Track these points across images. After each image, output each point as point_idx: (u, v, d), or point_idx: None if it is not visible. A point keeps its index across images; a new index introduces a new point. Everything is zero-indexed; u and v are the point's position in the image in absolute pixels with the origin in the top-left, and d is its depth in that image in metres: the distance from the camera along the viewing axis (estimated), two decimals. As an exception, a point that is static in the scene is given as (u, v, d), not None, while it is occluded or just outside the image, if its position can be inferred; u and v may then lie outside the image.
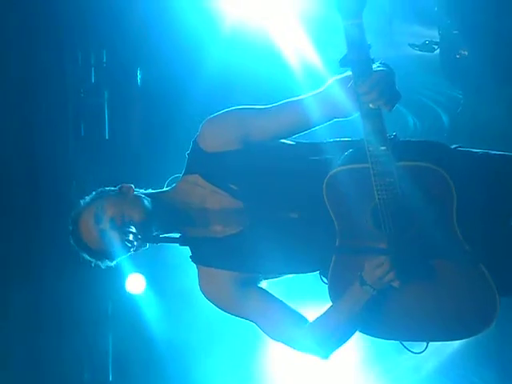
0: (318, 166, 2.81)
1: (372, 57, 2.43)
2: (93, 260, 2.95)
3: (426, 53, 5.56)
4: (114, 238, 2.80)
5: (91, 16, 5.75)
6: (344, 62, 2.43)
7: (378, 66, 2.54)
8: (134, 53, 5.90)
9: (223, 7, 5.51)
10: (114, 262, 2.98)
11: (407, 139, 2.81)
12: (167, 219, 2.91)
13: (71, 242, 2.94)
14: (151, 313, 5.87)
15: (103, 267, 2.99)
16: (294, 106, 2.84)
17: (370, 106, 2.47)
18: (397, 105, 2.56)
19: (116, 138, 5.97)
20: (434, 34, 5.54)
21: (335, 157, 2.77)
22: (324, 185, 2.73)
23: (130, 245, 2.72)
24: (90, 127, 5.97)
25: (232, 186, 2.88)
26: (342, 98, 2.65)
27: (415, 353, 2.88)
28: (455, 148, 2.89)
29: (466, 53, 5.38)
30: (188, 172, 2.95)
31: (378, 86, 2.46)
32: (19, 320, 5.53)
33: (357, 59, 2.39)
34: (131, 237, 2.72)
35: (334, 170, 2.71)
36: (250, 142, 2.87)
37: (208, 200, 2.91)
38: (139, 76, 5.96)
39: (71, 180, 5.58)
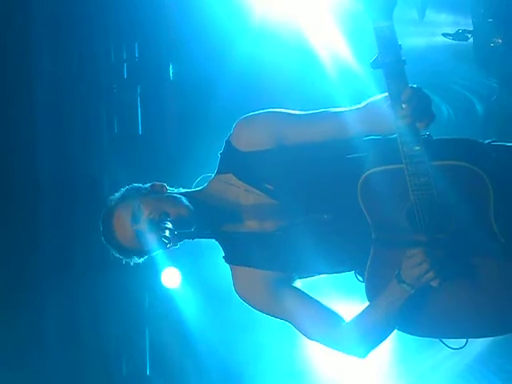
0: (352, 165, 2.78)
1: (403, 58, 2.41)
2: (123, 257, 2.95)
3: (459, 42, 5.51)
4: (150, 236, 2.79)
5: (123, 12, 5.76)
6: (375, 64, 2.41)
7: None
8: (166, 47, 5.91)
9: (253, 1, 5.50)
10: (143, 259, 2.98)
11: (441, 137, 2.78)
12: (204, 217, 2.89)
13: (102, 238, 2.93)
14: (187, 307, 5.88)
15: (132, 264, 2.99)
16: (333, 118, 2.83)
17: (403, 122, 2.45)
18: (430, 94, 2.54)
19: (149, 133, 5.98)
20: (467, 23, 5.49)
21: (369, 156, 2.75)
22: (358, 186, 2.71)
23: (166, 241, 2.70)
24: (123, 123, 5.99)
25: (267, 186, 2.87)
26: (381, 117, 2.62)
27: (454, 348, 2.86)
28: (489, 143, 2.85)
29: (500, 41, 5.33)
30: (221, 171, 2.94)
31: (413, 100, 2.44)
32: (57, 316, 5.57)
33: (388, 61, 2.37)
34: (167, 233, 2.71)
35: (369, 172, 2.69)
36: (284, 144, 2.86)
37: (242, 198, 2.90)
38: (171, 71, 5.97)
39: (104, 176, 5.61)
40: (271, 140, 2.86)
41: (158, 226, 2.76)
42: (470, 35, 5.48)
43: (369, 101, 2.78)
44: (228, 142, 2.92)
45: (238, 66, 5.48)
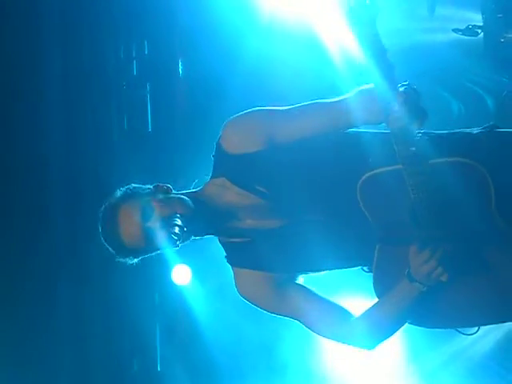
0: (347, 165, 2.76)
1: (392, 61, 2.42)
2: (119, 255, 2.87)
3: (469, 37, 5.50)
4: (159, 234, 2.77)
5: (133, 8, 5.77)
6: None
7: (402, 85, 2.52)
8: (175, 44, 5.91)
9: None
10: (137, 260, 2.91)
11: (435, 133, 2.78)
12: (205, 217, 2.87)
13: (101, 236, 2.85)
14: (197, 303, 5.89)
15: (128, 264, 2.93)
16: (320, 109, 2.78)
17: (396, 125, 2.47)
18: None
19: (159, 130, 5.99)
20: (477, 18, 5.48)
21: (365, 156, 2.73)
22: (358, 188, 2.70)
23: (176, 237, 2.68)
24: (133, 120, 5.99)
25: (259, 188, 2.81)
26: (369, 107, 2.61)
27: (467, 334, 2.88)
28: (480, 131, 2.84)
29: (511, 36, 5.31)
30: (214, 175, 2.88)
31: (403, 106, 2.45)
32: (67, 312, 5.58)
33: (377, 67, 2.39)
34: (177, 229, 2.69)
35: (367, 175, 2.68)
36: (275, 143, 2.79)
37: (238, 201, 2.84)
38: (181, 67, 5.97)
39: (114, 173, 5.61)
40: (261, 140, 2.78)
41: (167, 223, 2.74)
42: (480, 30, 5.47)
43: (355, 90, 2.72)
44: (218, 145, 2.85)
45: (247, 63, 5.47)
